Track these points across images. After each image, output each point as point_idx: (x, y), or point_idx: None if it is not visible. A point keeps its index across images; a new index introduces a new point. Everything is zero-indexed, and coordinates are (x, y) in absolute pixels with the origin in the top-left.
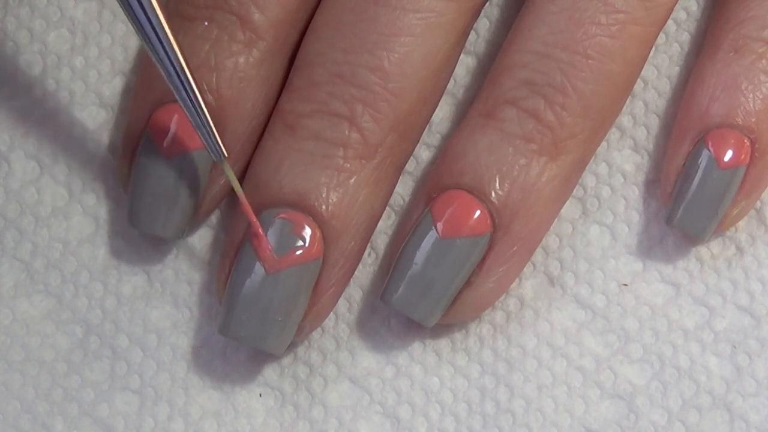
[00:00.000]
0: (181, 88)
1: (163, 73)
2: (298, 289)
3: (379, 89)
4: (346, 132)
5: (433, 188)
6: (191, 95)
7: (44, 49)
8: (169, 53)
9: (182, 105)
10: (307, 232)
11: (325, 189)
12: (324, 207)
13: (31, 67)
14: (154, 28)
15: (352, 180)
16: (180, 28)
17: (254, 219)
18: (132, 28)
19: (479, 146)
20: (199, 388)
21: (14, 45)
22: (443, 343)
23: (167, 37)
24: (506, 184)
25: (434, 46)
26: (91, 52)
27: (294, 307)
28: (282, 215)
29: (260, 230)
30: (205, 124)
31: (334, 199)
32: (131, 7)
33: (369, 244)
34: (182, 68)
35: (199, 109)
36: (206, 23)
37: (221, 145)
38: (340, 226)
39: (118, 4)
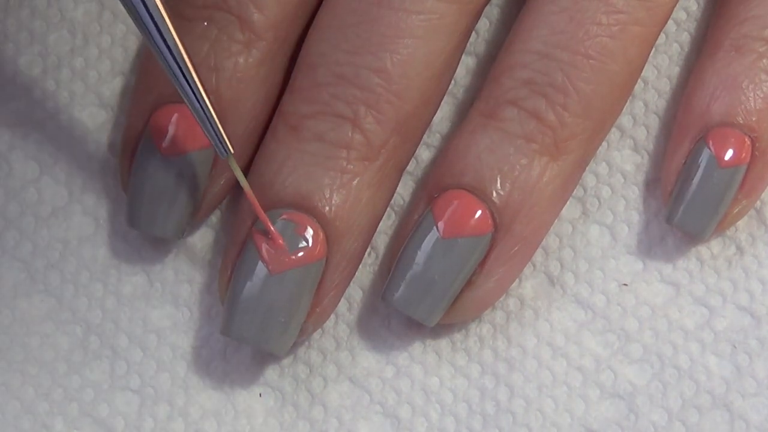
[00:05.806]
0: (186, 85)
1: (167, 72)
2: (301, 290)
3: (382, 91)
4: (350, 133)
5: (434, 188)
6: (196, 93)
7: (44, 50)
8: (174, 53)
9: (187, 103)
10: (310, 233)
11: (329, 190)
12: (327, 208)
13: (32, 68)
14: (158, 28)
15: (356, 181)
16: (179, 28)
17: (264, 216)
18: (135, 29)
19: (480, 146)
20: (199, 388)
21: (14, 46)
22: (443, 343)
23: (172, 36)
24: (507, 184)
25: (436, 47)
26: (91, 53)
27: (297, 308)
28: (285, 216)
29: (272, 228)
30: (211, 121)
31: (338, 201)
32: (135, 9)
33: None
34: (186, 66)
35: (204, 106)
36: (205, 23)
37: (227, 142)
38: (344, 227)
39: (118, 5)
